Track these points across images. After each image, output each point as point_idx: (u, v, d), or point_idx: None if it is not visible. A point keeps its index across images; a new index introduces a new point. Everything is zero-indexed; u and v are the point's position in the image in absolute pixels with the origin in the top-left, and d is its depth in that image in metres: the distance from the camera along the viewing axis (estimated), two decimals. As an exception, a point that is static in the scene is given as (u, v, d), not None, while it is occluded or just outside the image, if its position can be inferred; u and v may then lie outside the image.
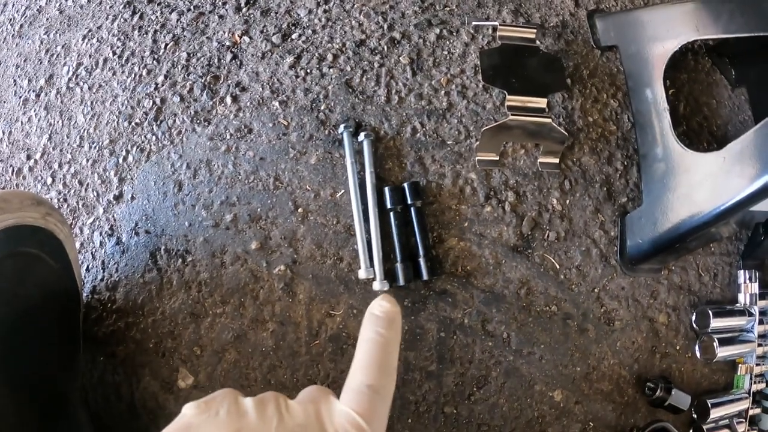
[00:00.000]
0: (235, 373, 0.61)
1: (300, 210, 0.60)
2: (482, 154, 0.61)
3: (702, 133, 0.71)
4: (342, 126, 0.60)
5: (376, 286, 0.55)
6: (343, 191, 0.59)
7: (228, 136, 0.63)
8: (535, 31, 0.63)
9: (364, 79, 0.63)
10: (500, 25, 0.62)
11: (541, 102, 0.59)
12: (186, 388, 0.62)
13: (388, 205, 0.58)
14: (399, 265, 0.57)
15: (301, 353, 0.59)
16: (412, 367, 0.59)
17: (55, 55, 0.74)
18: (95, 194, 0.66)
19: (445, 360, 0.59)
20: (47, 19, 0.77)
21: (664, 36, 0.65)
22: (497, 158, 0.62)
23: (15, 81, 0.75)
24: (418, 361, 0.59)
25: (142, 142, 0.65)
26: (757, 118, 0.74)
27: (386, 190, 0.58)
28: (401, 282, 0.57)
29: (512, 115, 0.58)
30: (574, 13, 0.70)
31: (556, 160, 0.63)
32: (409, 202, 0.57)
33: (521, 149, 0.63)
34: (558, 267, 0.62)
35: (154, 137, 0.65)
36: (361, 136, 0.58)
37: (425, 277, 0.57)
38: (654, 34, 0.66)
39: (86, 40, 0.73)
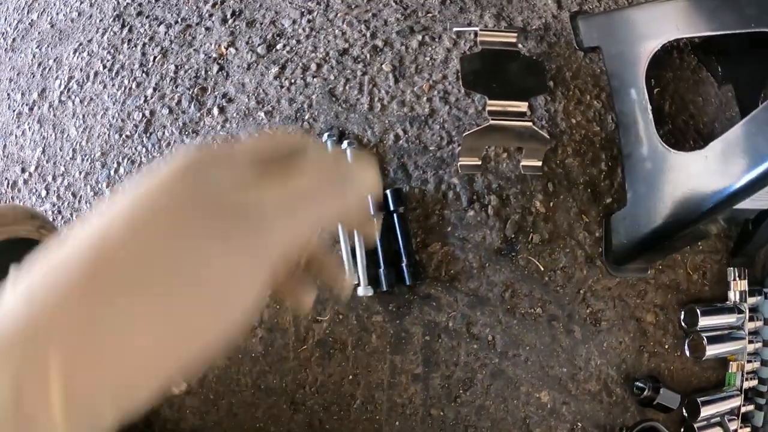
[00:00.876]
0: (226, 378, 0.62)
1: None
2: (464, 159, 0.61)
3: (688, 131, 0.71)
4: (326, 135, 0.61)
5: (361, 291, 0.56)
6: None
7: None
8: (515, 35, 0.64)
9: (347, 87, 0.64)
10: (481, 30, 0.63)
11: (522, 106, 0.60)
12: (179, 394, 0.64)
13: (371, 212, 0.58)
14: (382, 271, 0.58)
15: (289, 358, 0.60)
16: (399, 371, 0.60)
17: (47, 69, 0.76)
18: (88, 206, 0.67)
19: (430, 363, 0.60)
20: (39, 33, 0.79)
21: (645, 35, 0.65)
22: (479, 163, 0.62)
23: (8, 95, 0.76)
24: (404, 364, 0.60)
25: (133, 154, 0.67)
26: (745, 115, 0.74)
27: (369, 197, 0.58)
28: (385, 287, 0.58)
29: (493, 119, 0.58)
30: (556, 15, 0.71)
31: (539, 163, 0.63)
32: (391, 208, 0.58)
33: (504, 153, 0.64)
34: (542, 269, 0.63)
35: (144, 149, 0.66)
36: (344, 145, 0.59)
37: (408, 281, 0.58)
38: (636, 34, 0.66)
39: (77, 54, 0.74)
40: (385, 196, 0.59)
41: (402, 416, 0.60)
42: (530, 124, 0.59)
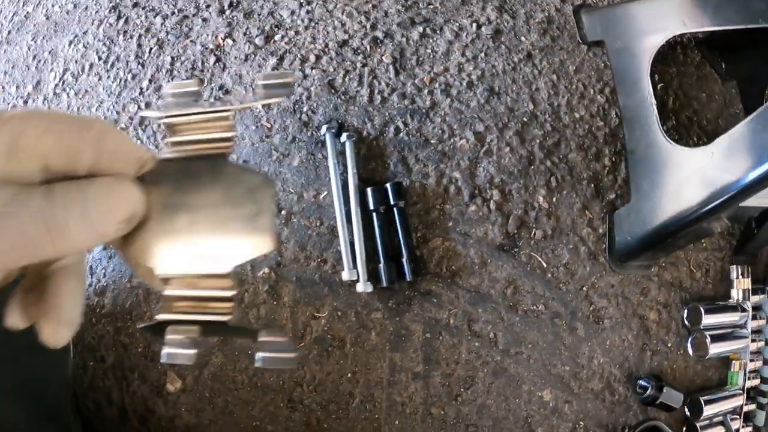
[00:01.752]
0: (222, 376, 0.61)
1: (283, 212, 0.60)
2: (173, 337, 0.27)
3: (692, 127, 0.70)
4: (324, 127, 0.60)
5: (360, 287, 0.55)
6: (326, 192, 0.59)
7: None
8: (230, 121, 0.26)
9: (346, 79, 0.63)
10: (164, 117, 0.26)
11: (222, 284, 0.25)
12: (175, 392, 0.62)
13: (371, 206, 0.57)
14: (382, 266, 0.57)
15: (287, 356, 0.59)
16: (398, 369, 0.59)
17: (42, 61, 0.74)
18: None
19: (431, 361, 0.59)
20: (34, 25, 0.77)
21: (651, 30, 0.64)
22: (194, 352, 0.25)
23: (3, 87, 0.75)
24: (404, 362, 0.59)
25: (128, 146, 0.65)
26: (748, 112, 0.73)
27: (369, 191, 0.57)
28: (384, 283, 0.57)
29: (165, 308, 0.25)
30: (560, 9, 0.70)
31: (291, 355, 0.27)
32: (392, 202, 0.57)
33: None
34: (545, 265, 0.62)
35: (138, 142, 0.65)
36: (343, 137, 0.58)
37: (408, 277, 0.56)
38: (641, 29, 0.65)
39: (72, 46, 0.73)
40: (385, 189, 0.58)
41: (402, 415, 0.59)
42: (228, 319, 0.25)
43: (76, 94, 0.70)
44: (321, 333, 0.58)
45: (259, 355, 0.23)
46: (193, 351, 0.23)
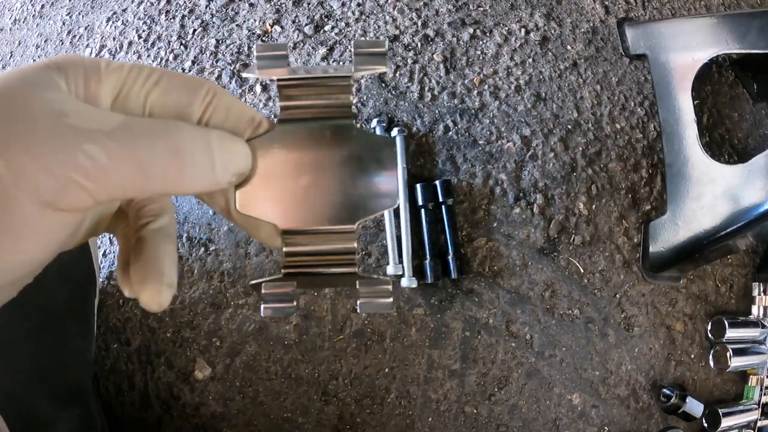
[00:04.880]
0: (255, 365, 0.60)
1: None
2: (268, 305, 0.29)
3: (724, 145, 0.72)
4: (375, 120, 0.59)
5: (405, 282, 0.55)
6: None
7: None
8: (348, 77, 0.27)
9: (397, 74, 0.63)
10: (278, 80, 0.26)
11: (347, 239, 0.27)
12: (203, 379, 0.61)
13: (420, 202, 0.57)
14: (428, 263, 0.57)
15: (323, 348, 0.59)
16: (436, 366, 0.59)
17: (77, 37, 0.73)
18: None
19: (468, 359, 0.59)
20: (70, 0, 0.76)
21: (694, 47, 0.66)
22: (292, 304, 0.28)
23: (34, 61, 0.73)
24: (442, 359, 0.59)
25: (167, 127, 0.64)
26: (777, 133, 0.75)
27: (418, 186, 0.57)
28: (430, 279, 0.57)
29: (288, 268, 0.27)
30: (604, 20, 0.71)
31: (388, 300, 0.28)
32: (440, 199, 0.57)
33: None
34: (582, 271, 0.63)
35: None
36: (394, 132, 0.58)
37: (454, 275, 0.57)
38: (684, 45, 0.66)
39: (110, 23, 0.72)
40: (434, 186, 0.58)
41: (435, 412, 0.59)
42: (355, 271, 0.28)
43: (113, 70, 0.69)
44: (360, 327, 0.58)
45: (359, 301, 0.25)
46: (291, 304, 0.24)
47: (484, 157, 0.61)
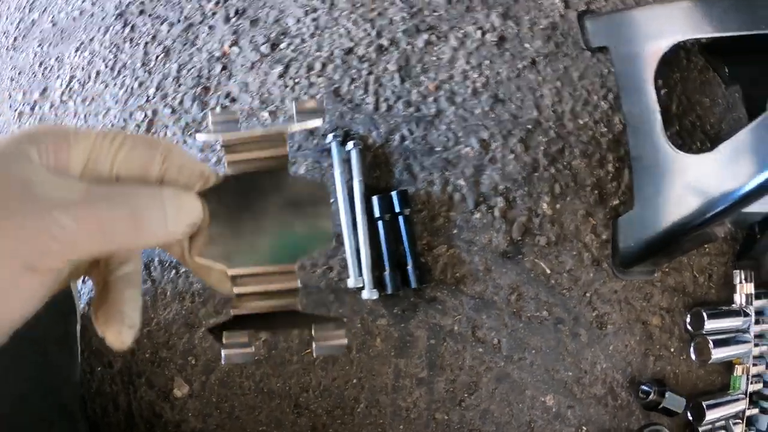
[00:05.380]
0: (229, 381, 0.61)
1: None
2: (229, 346, 0.30)
3: (695, 132, 0.71)
4: (330, 135, 0.60)
5: (365, 294, 0.55)
6: (332, 200, 0.60)
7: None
8: (282, 133, 0.30)
9: (352, 87, 0.63)
10: (224, 140, 0.29)
11: (288, 277, 0.29)
12: (182, 397, 0.63)
13: (377, 214, 0.58)
14: (387, 274, 0.57)
15: (292, 361, 0.60)
16: (403, 374, 0.59)
17: (48, 68, 0.75)
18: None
19: (435, 367, 0.60)
20: (41, 31, 0.78)
21: (655, 35, 0.64)
22: (251, 350, 0.29)
23: (10, 94, 0.76)
24: (409, 368, 0.59)
25: (135, 153, 0.66)
26: (752, 116, 0.73)
27: (374, 199, 0.58)
28: (390, 290, 0.57)
29: (235, 308, 0.29)
30: (564, 15, 0.70)
31: (342, 341, 0.30)
32: (397, 210, 0.58)
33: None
34: (549, 272, 0.62)
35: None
36: (350, 145, 0.58)
37: (414, 284, 0.57)
38: (645, 34, 0.65)
39: (79, 53, 0.74)
40: (391, 198, 0.58)
41: (406, 420, 0.60)
42: (296, 307, 0.29)
43: (82, 101, 0.71)
44: (327, 339, 0.59)
45: (314, 344, 0.28)
46: (250, 350, 0.28)
47: (441, 164, 0.61)
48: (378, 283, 0.58)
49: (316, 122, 0.29)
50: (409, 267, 0.57)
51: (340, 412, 0.60)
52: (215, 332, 0.28)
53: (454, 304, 0.60)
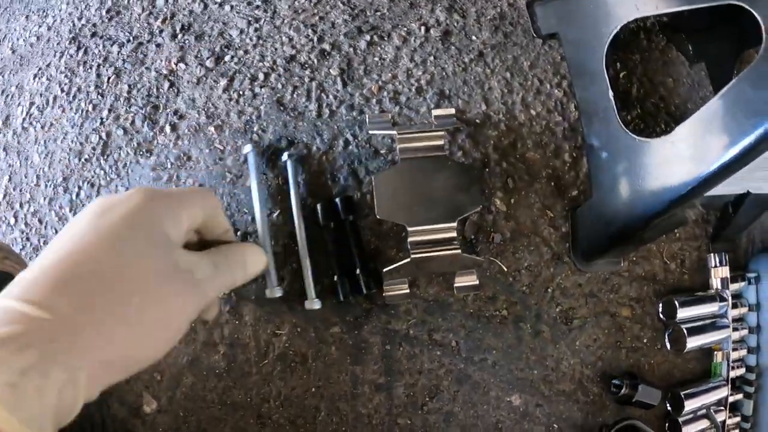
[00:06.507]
0: (193, 395, 0.62)
1: (239, 233, 0.60)
2: (389, 289, 0.57)
3: (659, 114, 0.68)
4: (248, 146, 0.58)
5: (307, 305, 0.55)
6: (279, 212, 0.59)
7: (169, 165, 0.64)
8: (442, 134, 0.57)
9: (295, 95, 0.63)
10: (399, 133, 0.55)
11: (449, 231, 0.55)
12: (151, 413, 0.64)
13: (322, 222, 0.57)
14: (336, 281, 0.57)
15: (252, 373, 0.60)
16: (361, 381, 0.59)
17: (10, 96, 0.76)
18: (54, 232, 0.68)
19: (393, 372, 0.59)
20: (1, 59, 0.79)
21: (604, 18, 0.62)
22: (407, 290, 0.57)
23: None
24: (366, 374, 0.59)
25: (92, 177, 0.67)
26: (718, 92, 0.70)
27: (318, 207, 0.57)
28: (341, 297, 0.57)
29: (414, 253, 0.55)
30: (512, 3, 0.68)
31: (475, 282, 0.59)
32: (341, 217, 0.57)
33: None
34: (506, 270, 0.61)
35: (102, 172, 0.67)
36: (284, 157, 0.58)
37: (364, 291, 0.56)
38: (594, 17, 0.63)
39: (37, 79, 0.75)
40: (335, 204, 0.57)
41: (369, 426, 0.59)
42: (458, 251, 0.55)
43: (42, 127, 0.72)
44: (283, 349, 0.59)
45: (455, 285, 0.57)
46: (406, 290, 0.57)
47: (387, 167, 0.60)
48: (329, 291, 0.57)
49: (450, 123, 0.57)
50: (358, 273, 0.56)
51: (302, 421, 0.60)
52: (387, 275, 0.54)
53: (408, 307, 0.59)
